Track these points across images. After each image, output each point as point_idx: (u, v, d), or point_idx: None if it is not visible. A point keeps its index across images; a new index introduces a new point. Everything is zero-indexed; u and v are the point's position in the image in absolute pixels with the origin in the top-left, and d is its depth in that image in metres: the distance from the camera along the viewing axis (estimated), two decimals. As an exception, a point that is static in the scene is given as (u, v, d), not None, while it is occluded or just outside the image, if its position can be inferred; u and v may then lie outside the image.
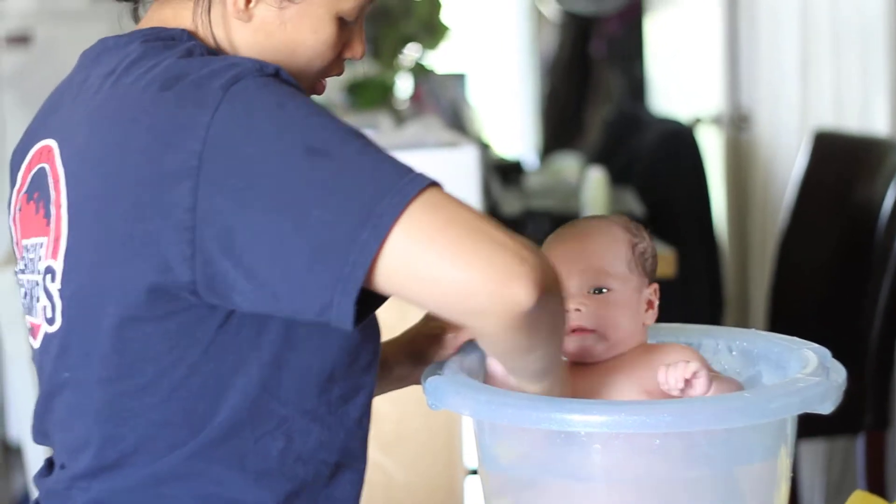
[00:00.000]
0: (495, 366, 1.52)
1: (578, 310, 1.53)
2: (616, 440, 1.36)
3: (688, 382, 1.43)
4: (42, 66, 4.88)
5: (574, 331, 1.53)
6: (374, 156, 1.28)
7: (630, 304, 1.56)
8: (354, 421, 1.42)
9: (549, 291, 1.27)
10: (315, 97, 1.44)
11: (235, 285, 1.28)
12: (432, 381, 1.44)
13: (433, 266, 1.24)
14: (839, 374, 1.44)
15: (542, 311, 1.27)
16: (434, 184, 1.27)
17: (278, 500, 1.38)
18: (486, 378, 1.52)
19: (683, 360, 1.45)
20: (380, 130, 3.54)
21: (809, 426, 1.75)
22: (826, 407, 1.39)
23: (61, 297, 1.37)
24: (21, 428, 3.20)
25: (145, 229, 1.29)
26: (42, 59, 4.90)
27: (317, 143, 1.27)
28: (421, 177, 1.27)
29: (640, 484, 1.38)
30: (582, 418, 1.33)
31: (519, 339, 1.30)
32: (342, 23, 1.42)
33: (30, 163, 1.44)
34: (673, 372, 1.44)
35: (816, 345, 1.52)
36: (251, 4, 1.39)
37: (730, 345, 1.59)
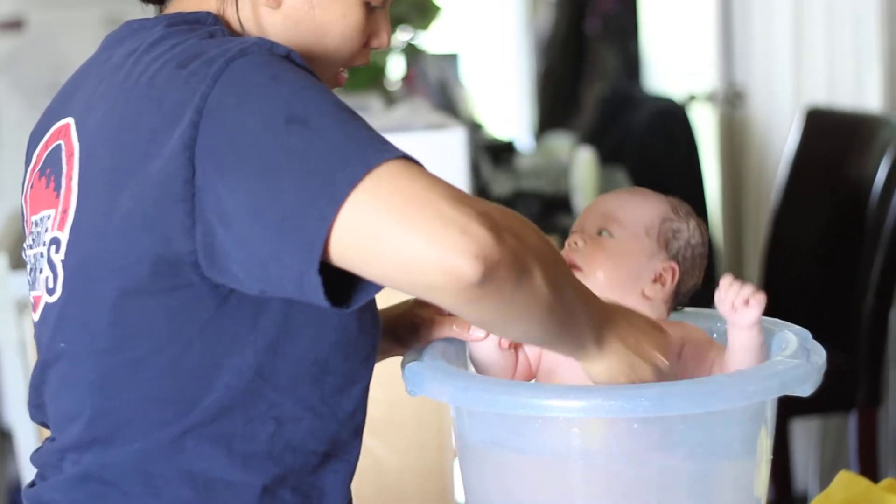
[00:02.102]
0: (476, 352, 1.51)
1: (575, 243, 1.53)
2: (595, 423, 1.36)
3: (746, 303, 1.42)
4: (35, 52, 4.86)
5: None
6: (352, 129, 1.28)
7: (628, 258, 1.53)
8: (347, 413, 1.42)
9: (510, 269, 1.23)
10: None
11: (231, 254, 1.29)
12: (411, 367, 1.44)
13: (380, 235, 1.23)
14: (819, 355, 1.43)
15: (502, 289, 1.23)
16: (404, 157, 1.26)
17: (264, 484, 1.38)
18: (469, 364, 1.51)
19: (740, 283, 1.42)
20: (370, 112, 3.52)
21: (801, 404, 1.74)
22: (805, 389, 1.38)
23: (64, 267, 1.38)
24: (13, 413, 3.20)
25: (149, 201, 1.31)
26: (35, 45, 4.88)
27: (298, 112, 1.27)
28: (389, 150, 1.26)
29: (617, 465, 1.38)
30: (559, 403, 1.33)
31: (484, 312, 1.27)
32: (369, 8, 1.43)
33: (47, 141, 1.46)
34: (736, 288, 1.42)
35: (797, 326, 1.52)
36: None
37: (710, 327, 1.58)
